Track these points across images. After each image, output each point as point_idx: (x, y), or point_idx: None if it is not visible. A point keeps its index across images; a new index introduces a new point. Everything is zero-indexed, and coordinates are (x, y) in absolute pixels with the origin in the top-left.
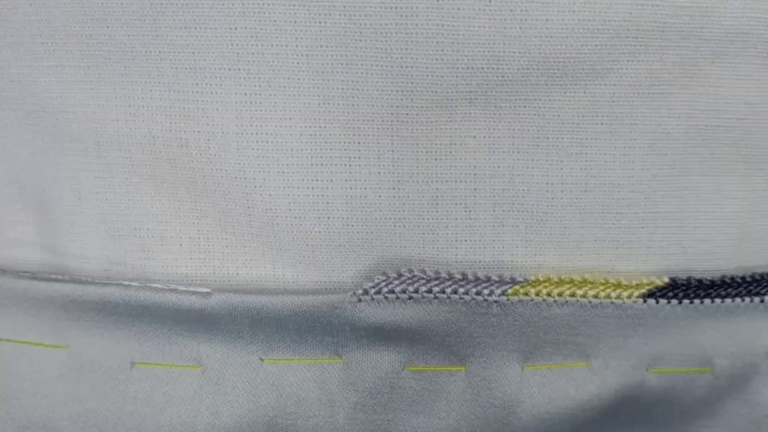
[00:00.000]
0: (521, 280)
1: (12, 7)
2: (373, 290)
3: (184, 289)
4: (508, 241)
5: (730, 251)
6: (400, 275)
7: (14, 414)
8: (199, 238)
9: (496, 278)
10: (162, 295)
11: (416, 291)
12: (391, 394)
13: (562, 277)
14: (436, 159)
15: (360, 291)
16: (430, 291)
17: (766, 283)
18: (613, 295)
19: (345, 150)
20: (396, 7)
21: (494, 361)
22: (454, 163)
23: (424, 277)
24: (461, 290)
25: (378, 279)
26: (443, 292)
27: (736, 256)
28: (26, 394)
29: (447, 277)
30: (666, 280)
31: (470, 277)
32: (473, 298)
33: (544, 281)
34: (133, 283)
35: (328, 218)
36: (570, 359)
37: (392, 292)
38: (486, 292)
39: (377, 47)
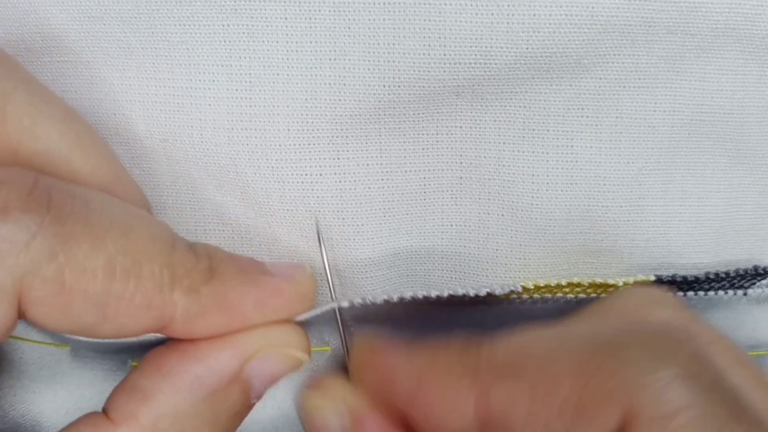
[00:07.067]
0: (510, 290)
1: (12, 5)
2: (359, 302)
3: None
4: (494, 229)
5: (713, 244)
6: (390, 297)
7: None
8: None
9: (487, 291)
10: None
11: (404, 296)
12: None
13: (551, 283)
14: (423, 149)
15: (346, 303)
16: (417, 295)
17: (749, 277)
18: (599, 291)
19: (333, 144)
20: (384, 3)
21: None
22: (441, 152)
23: (416, 297)
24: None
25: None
26: (431, 296)
27: (718, 249)
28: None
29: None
30: (652, 278)
31: (460, 293)
32: (460, 301)
33: (533, 289)
34: None
35: (319, 211)
36: None
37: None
38: (472, 296)
39: (365, 42)
